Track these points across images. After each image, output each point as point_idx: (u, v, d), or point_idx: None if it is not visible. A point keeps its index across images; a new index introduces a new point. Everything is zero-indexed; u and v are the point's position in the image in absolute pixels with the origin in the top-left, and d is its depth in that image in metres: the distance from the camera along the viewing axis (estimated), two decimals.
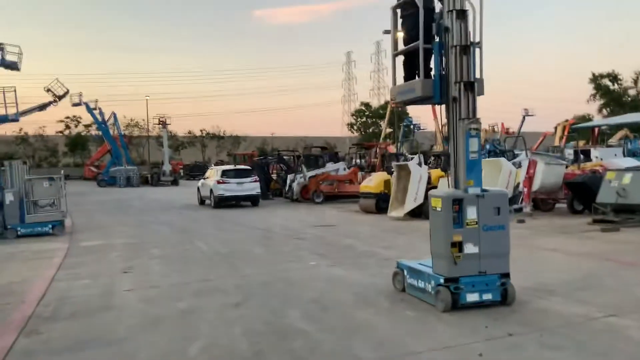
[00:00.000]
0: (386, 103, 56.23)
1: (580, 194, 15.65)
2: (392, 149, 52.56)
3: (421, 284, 6.93)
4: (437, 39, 6.69)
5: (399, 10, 7.24)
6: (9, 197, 14.83)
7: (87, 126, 69.59)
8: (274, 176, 29.10)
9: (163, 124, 55.75)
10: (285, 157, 28.58)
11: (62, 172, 17.15)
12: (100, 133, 56.08)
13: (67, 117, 72.23)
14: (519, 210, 16.34)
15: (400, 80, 7.30)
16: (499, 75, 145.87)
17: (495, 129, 66.31)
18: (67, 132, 74.02)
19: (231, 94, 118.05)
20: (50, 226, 15.17)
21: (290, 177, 25.34)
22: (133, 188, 45.28)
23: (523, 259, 9.55)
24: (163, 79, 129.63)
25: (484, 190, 6.57)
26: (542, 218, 15.57)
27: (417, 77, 6.85)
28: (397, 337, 5.66)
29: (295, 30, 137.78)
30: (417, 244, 11.61)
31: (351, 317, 6.40)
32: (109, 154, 55.35)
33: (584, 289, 7.30)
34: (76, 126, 73.26)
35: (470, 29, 6.64)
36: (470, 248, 6.42)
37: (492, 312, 6.32)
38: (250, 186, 22.65)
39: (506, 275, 6.57)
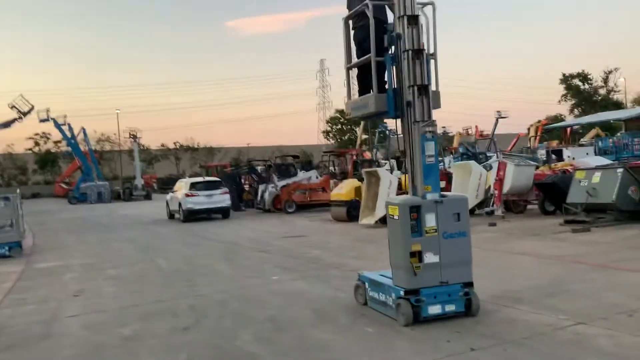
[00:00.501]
0: None
1: (551, 195, 15.46)
2: (368, 155, 52.36)
3: (382, 297, 6.54)
4: (390, 52, 6.34)
5: (351, 22, 6.91)
6: None
7: (56, 142, 68.14)
8: (247, 187, 28.60)
9: (134, 137, 54.93)
10: (256, 167, 28.09)
11: (18, 190, 16.46)
12: (70, 149, 54.97)
13: (36, 134, 70.76)
14: (491, 213, 16.13)
15: (355, 94, 6.96)
16: (473, 78, 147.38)
17: (469, 132, 66.73)
18: (36, 149, 72.43)
19: (205, 106, 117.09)
20: (7, 248, 14.47)
21: (261, 187, 24.89)
22: (104, 204, 44.38)
23: (491, 264, 9.27)
24: (134, 92, 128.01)
25: (442, 196, 6.23)
26: (514, 220, 15.34)
27: (371, 92, 6.51)
28: (353, 357, 5.27)
29: (268, 39, 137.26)
30: (387, 253, 11.25)
31: (307, 336, 5.98)
32: (79, 170, 54.30)
33: (552, 295, 6.98)
34: (45, 143, 71.74)
35: (424, 40, 6.34)
36: (430, 257, 6.05)
37: (455, 324, 5.95)
38: (220, 198, 22.13)
39: (469, 285, 6.22)
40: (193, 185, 22.08)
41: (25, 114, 38.67)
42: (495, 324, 5.94)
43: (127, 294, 8.89)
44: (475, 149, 38.69)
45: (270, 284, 8.97)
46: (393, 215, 6.24)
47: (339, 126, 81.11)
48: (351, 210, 17.52)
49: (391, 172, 26.78)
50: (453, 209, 6.17)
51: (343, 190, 18.26)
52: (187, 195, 21.73)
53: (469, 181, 16.66)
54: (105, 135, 74.04)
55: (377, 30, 6.35)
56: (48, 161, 72.08)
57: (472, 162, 17.71)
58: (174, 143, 79.12)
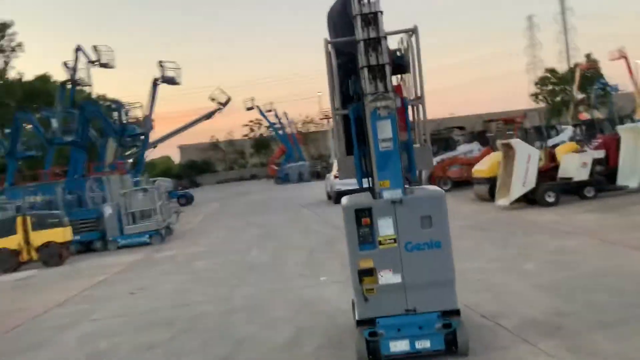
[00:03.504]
0: (575, 66, 49.57)
1: None
2: (584, 116, 46.13)
3: None
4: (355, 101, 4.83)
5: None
6: (107, 211, 15.52)
7: (268, 127, 73.37)
8: None
9: (327, 118, 56.64)
10: None
11: (157, 181, 17.62)
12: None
13: (251, 121, 76.98)
14: None
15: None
16: None
17: None
18: (251, 134, 78.95)
19: None
20: (147, 236, 15.53)
21: None
22: (304, 183, 46.35)
23: (587, 266, 7.12)
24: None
25: (410, 192, 4.62)
26: None
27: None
28: None
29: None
30: (486, 247, 9.42)
31: None
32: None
33: (609, 326, 4.82)
34: (259, 128, 77.69)
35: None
36: (387, 277, 4.54)
37: None
38: None
39: (453, 313, 4.54)
40: None
41: (224, 104, 41.71)
42: None
43: (173, 294, 8.67)
44: None
45: (308, 287, 7.93)
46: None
47: (550, 87, 73.49)
48: (493, 188, 15.23)
49: (574, 139, 23.16)
50: (420, 211, 4.54)
51: (485, 165, 15.98)
52: (335, 177, 21.19)
53: None
54: (309, 118, 77.76)
55: (347, 71, 4.88)
56: (262, 145, 78.12)
57: None
58: None
